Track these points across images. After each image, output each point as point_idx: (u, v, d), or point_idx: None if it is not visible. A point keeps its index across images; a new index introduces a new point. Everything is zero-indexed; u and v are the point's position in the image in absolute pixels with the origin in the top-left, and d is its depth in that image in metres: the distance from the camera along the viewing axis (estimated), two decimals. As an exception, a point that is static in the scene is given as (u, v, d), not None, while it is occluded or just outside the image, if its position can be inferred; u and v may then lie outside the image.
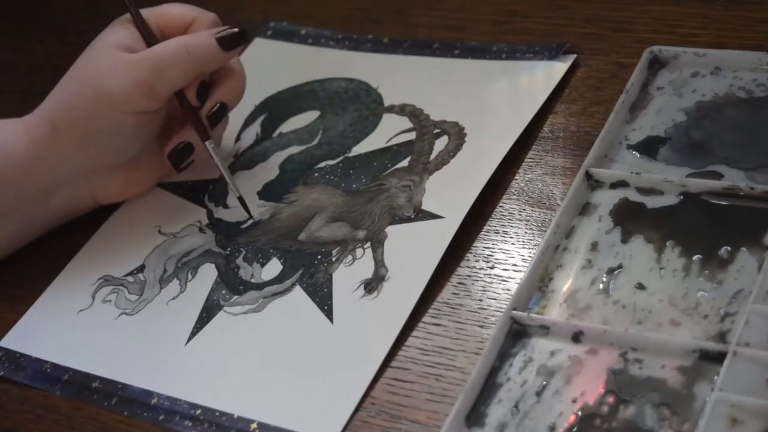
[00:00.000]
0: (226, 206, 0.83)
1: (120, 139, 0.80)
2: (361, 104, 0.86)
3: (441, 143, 0.80)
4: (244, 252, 0.79)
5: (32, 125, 0.80)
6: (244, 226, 0.81)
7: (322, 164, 0.83)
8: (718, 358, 0.62)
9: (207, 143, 0.80)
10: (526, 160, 0.78)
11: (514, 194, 0.76)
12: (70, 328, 0.79)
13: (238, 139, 0.88)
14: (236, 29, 0.80)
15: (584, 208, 0.73)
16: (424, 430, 0.66)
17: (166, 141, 0.82)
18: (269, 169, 0.84)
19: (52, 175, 0.80)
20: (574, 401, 0.64)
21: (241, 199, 0.81)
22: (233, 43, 0.80)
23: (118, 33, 0.80)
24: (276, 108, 0.89)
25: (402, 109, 0.84)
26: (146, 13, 0.81)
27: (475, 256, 0.74)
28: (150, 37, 0.80)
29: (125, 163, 0.82)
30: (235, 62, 0.82)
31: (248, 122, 0.89)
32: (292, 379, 0.71)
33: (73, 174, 0.81)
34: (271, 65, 0.93)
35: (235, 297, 0.77)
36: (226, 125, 0.84)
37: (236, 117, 0.88)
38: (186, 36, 0.79)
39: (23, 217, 0.81)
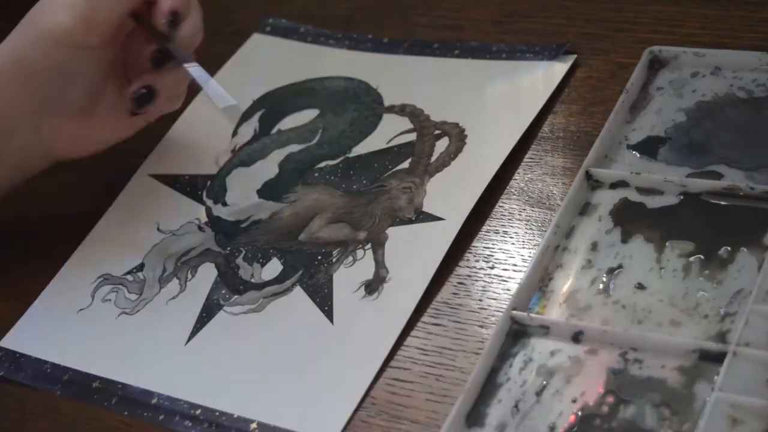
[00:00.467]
0: (225, 204, 0.83)
1: (61, 79, 0.79)
2: (361, 104, 0.86)
3: (442, 144, 0.80)
4: (244, 252, 0.79)
5: None
6: (243, 225, 0.81)
7: (322, 164, 0.83)
8: (718, 358, 0.62)
9: (187, 66, 0.79)
10: (526, 160, 0.78)
11: (514, 194, 0.76)
12: (70, 328, 0.79)
13: (235, 134, 0.87)
14: None
15: (584, 208, 0.73)
16: (424, 430, 0.66)
17: (122, 97, 0.81)
18: (268, 168, 0.84)
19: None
20: (574, 401, 0.64)
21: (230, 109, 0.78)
22: None
23: None
24: (274, 104, 0.89)
25: (402, 110, 0.84)
26: None
27: (475, 256, 0.74)
28: None
29: (76, 115, 0.81)
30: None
31: (246, 117, 0.88)
32: (292, 379, 0.71)
33: (20, 119, 0.79)
34: (269, 61, 0.93)
35: (235, 297, 0.77)
36: (201, 37, 0.82)
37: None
38: None
39: None
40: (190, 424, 0.71)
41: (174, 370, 0.74)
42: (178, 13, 0.80)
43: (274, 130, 0.87)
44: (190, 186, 0.85)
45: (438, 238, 0.74)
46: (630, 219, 0.71)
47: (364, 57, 0.90)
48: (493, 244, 0.74)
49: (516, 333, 0.68)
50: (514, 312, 0.68)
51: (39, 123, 0.80)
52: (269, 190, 0.83)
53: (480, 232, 0.75)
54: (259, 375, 0.72)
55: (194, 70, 0.79)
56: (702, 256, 0.68)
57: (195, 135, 0.88)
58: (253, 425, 0.69)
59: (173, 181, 0.85)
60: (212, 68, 0.91)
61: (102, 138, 0.83)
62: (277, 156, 0.85)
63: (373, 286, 0.73)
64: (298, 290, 0.75)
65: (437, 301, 0.72)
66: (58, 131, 0.81)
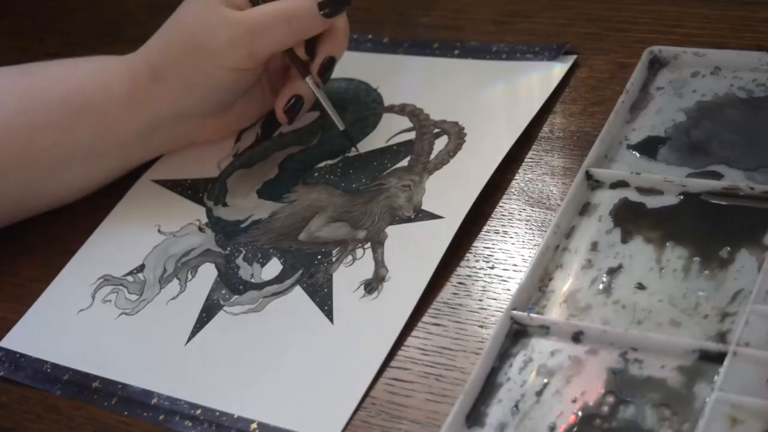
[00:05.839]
0: (225, 204, 0.83)
1: (218, 93, 0.82)
2: (361, 104, 0.86)
3: (441, 143, 0.80)
4: (244, 252, 0.79)
5: (134, 68, 0.82)
6: (243, 225, 0.81)
7: (322, 164, 0.83)
8: (718, 358, 0.62)
9: (308, 80, 0.81)
10: (526, 160, 0.78)
11: (514, 194, 0.76)
12: (70, 328, 0.79)
13: (238, 139, 0.88)
14: None
15: (584, 208, 0.73)
16: (424, 430, 0.66)
17: (266, 89, 0.85)
18: (269, 168, 0.84)
19: (152, 118, 0.83)
20: (574, 401, 0.64)
21: (346, 132, 0.82)
22: (335, 9, 0.79)
23: None
24: None
25: (402, 109, 0.84)
26: None
27: (475, 256, 0.74)
28: None
29: (219, 112, 0.84)
30: (338, 19, 0.81)
31: None
32: (292, 379, 0.71)
33: (173, 117, 0.83)
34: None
35: (235, 297, 0.77)
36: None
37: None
38: (288, 1, 0.78)
39: (123, 156, 0.84)
40: (190, 424, 0.71)
41: (174, 370, 0.74)
42: (334, 60, 0.81)
43: (276, 134, 0.87)
44: (192, 189, 0.85)
45: (437, 236, 0.74)
46: (630, 219, 0.71)
47: (364, 57, 0.90)
48: (493, 244, 0.74)
49: (516, 333, 0.68)
50: (514, 312, 0.68)
51: (190, 119, 0.84)
52: (269, 190, 0.83)
53: (480, 232, 0.75)
54: (259, 375, 0.72)
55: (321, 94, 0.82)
56: (702, 256, 0.68)
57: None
58: (253, 425, 0.69)
59: (175, 186, 0.85)
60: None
61: (240, 122, 0.87)
62: (278, 157, 0.85)
63: (372, 285, 0.73)
64: (297, 290, 0.75)
65: (437, 301, 0.72)
66: (204, 122, 0.85)
